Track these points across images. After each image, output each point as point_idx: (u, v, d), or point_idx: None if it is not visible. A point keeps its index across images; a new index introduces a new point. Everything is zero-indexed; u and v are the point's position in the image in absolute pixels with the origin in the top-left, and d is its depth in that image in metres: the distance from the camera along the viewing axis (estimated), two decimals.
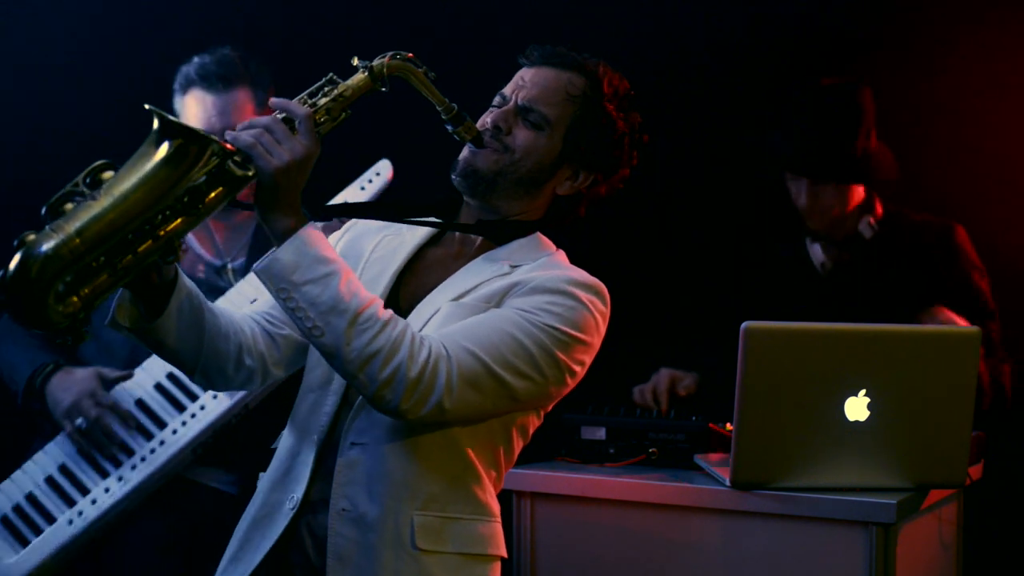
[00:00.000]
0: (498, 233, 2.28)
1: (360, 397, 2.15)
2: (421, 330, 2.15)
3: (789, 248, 3.45)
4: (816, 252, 3.42)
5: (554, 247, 2.33)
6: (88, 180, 1.89)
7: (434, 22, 3.94)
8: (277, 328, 2.28)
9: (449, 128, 2.20)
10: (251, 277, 2.97)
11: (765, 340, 2.56)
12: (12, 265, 1.82)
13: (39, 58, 3.73)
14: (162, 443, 2.90)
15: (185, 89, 3.11)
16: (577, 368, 2.19)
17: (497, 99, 2.28)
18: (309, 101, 2.06)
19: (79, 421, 2.88)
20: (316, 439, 2.20)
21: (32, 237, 1.83)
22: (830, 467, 2.61)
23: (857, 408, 2.59)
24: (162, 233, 1.91)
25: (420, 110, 2.26)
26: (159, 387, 2.96)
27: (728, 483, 2.64)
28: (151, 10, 3.79)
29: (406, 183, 3.15)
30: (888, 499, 2.55)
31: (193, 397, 2.95)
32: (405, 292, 2.27)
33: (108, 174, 1.89)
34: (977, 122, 3.83)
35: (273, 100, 2.03)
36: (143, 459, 2.89)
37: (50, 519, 2.88)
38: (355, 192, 3.10)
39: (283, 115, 2.03)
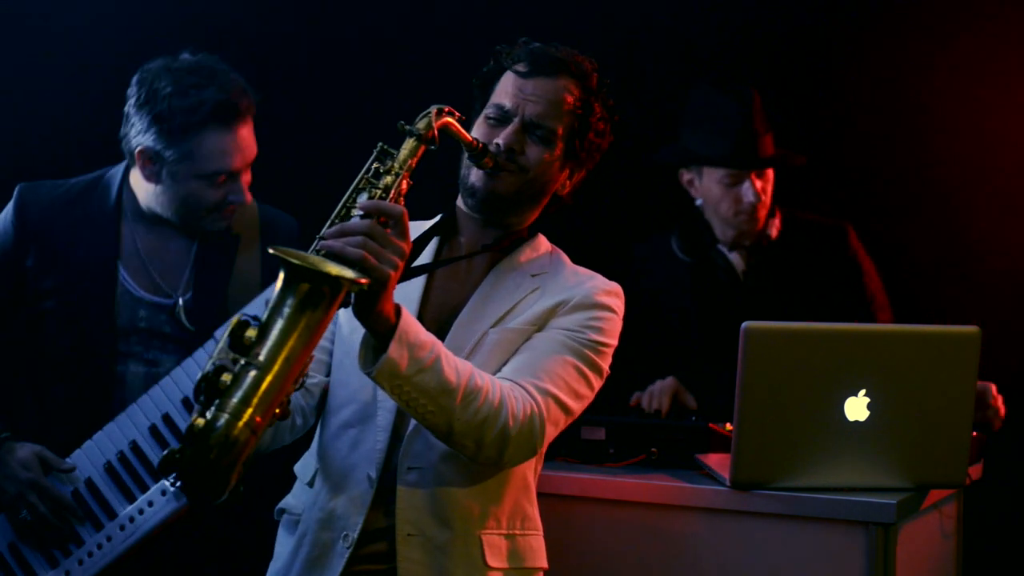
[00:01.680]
0: (508, 248, 2.32)
1: (411, 426, 2.19)
2: (468, 356, 2.19)
3: (704, 258, 3.42)
4: (735, 260, 3.41)
5: (549, 244, 2.39)
6: (231, 343, 1.81)
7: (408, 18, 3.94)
8: (310, 378, 2.24)
9: (470, 161, 2.23)
10: (187, 364, 2.69)
11: (765, 340, 2.56)
12: (193, 450, 1.77)
13: (39, 58, 3.73)
14: (109, 539, 2.67)
15: (200, 130, 2.68)
16: (607, 369, 2.30)
17: (492, 110, 2.26)
18: (373, 182, 2.05)
19: (23, 514, 2.66)
20: (372, 474, 2.20)
21: (202, 421, 1.77)
22: (830, 467, 2.61)
23: (857, 408, 2.59)
24: (304, 367, 1.91)
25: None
26: (108, 467, 2.69)
27: (728, 483, 2.64)
28: (151, 9, 3.79)
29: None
30: (888, 499, 2.55)
31: (142, 487, 2.69)
32: (428, 314, 2.27)
33: (251, 332, 1.82)
34: (968, 120, 3.85)
35: (363, 203, 2.00)
36: (90, 554, 2.68)
37: None
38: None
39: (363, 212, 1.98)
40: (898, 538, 2.56)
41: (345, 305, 1.94)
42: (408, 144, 2.09)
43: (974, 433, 2.97)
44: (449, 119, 2.12)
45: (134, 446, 2.70)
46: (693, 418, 3.00)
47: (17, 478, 2.67)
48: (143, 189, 2.81)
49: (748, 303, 3.37)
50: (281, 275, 1.85)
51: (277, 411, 1.85)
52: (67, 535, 2.69)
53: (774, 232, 3.40)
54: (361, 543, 2.19)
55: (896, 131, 3.90)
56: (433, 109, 2.11)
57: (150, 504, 2.68)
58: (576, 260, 2.39)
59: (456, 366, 2.07)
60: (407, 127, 2.09)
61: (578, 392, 2.22)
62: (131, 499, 2.70)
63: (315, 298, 1.84)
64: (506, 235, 2.31)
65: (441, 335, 2.20)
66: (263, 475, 2.29)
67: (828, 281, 3.41)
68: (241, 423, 1.78)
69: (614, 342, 2.29)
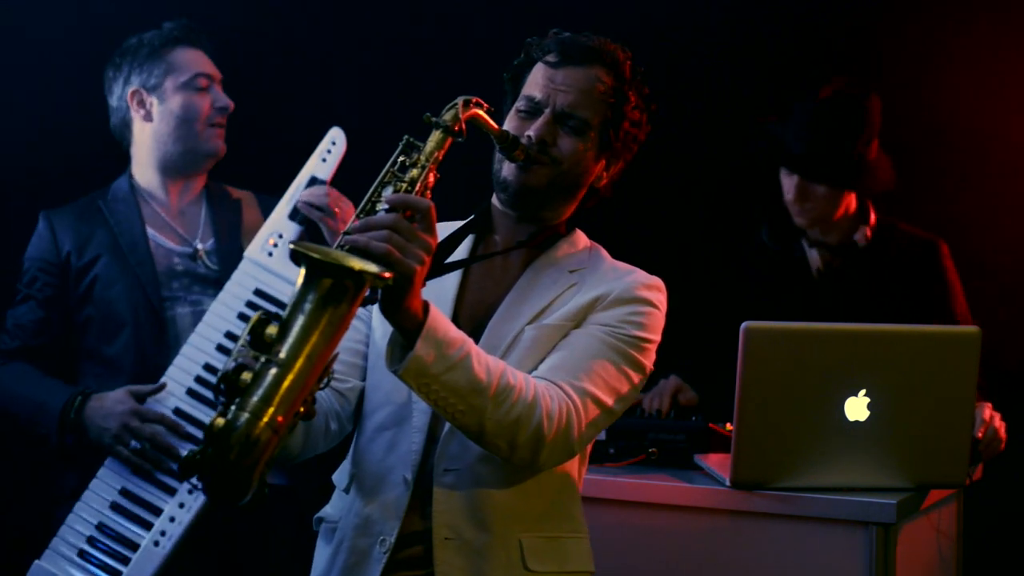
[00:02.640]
0: (542, 246, 2.27)
1: (446, 427, 2.14)
2: (504, 355, 2.15)
3: (788, 249, 3.45)
4: (812, 256, 3.43)
5: (587, 239, 2.33)
6: (251, 340, 1.75)
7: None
8: (342, 383, 2.23)
9: (501, 154, 2.18)
10: (215, 308, 2.94)
11: (765, 340, 2.56)
12: (214, 451, 1.71)
13: (39, 58, 3.72)
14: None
15: (172, 46, 3.11)
16: (651, 366, 2.24)
17: (523, 102, 2.22)
18: (399, 176, 2.00)
19: (133, 444, 2.80)
20: (408, 476, 2.15)
21: (222, 421, 1.71)
22: (830, 467, 2.61)
23: (857, 408, 2.59)
24: (329, 364, 1.82)
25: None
26: (191, 392, 2.88)
27: (728, 483, 2.64)
28: (149, 9, 3.78)
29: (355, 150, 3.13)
30: (888, 499, 2.55)
31: (233, 390, 2.84)
32: (463, 312, 2.23)
33: (272, 329, 1.75)
34: (979, 123, 3.85)
35: (389, 197, 1.94)
36: (190, 490, 2.81)
37: (132, 546, 2.77)
38: (318, 164, 3.05)
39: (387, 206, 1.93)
40: (898, 538, 2.56)
41: (371, 302, 1.90)
42: (434, 136, 2.03)
43: (978, 434, 2.98)
44: (477, 110, 2.07)
45: (208, 368, 2.88)
46: (693, 418, 3.00)
47: (115, 412, 2.83)
48: (144, 148, 3.13)
49: (817, 301, 3.37)
50: (302, 271, 1.79)
51: (301, 409, 1.78)
52: (176, 456, 2.80)
53: (861, 239, 3.38)
54: (398, 547, 2.14)
55: (896, 131, 3.90)
56: (460, 100, 2.06)
57: None
58: (619, 257, 2.33)
59: (487, 364, 2.01)
60: (433, 119, 2.04)
61: (618, 390, 2.15)
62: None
63: (337, 293, 1.77)
64: (541, 230, 2.26)
65: (477, 333, 2.16)
66: (304, 485, 2.28)
67: (911, 293, 3.35)
68: (262, 423, 1.71)
69: (656, 337, 2.22)
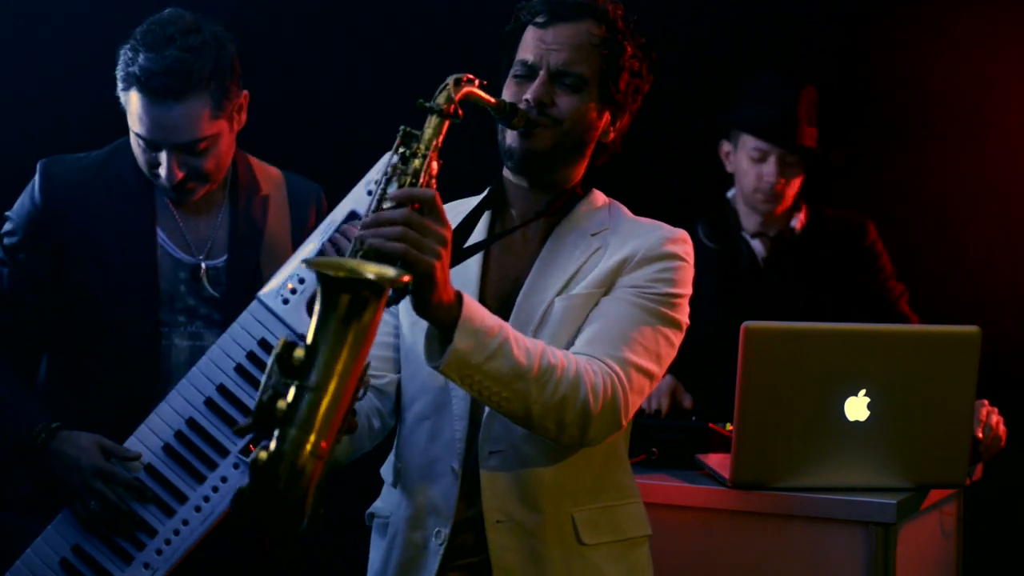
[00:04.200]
0: (560, 212, 2.22)
1: (488, 409, 2.11)
2: (537, 330, 2.12)
3: (729, 244, 3.50)
4: (757, 247, 3.50)
5: (605, 196, 2.29)
6: (280, 367, 1.69)
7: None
8: (379, 379, 2.21)
9: (501, 124, 2.15)
10: (213, 354, 2.57)
11: (765, 340, 2.56)
12: (261, 486, 1.67)
13: (38, 58, 3.73)
14: (185, 523, 2.53)
15: (128, 86, 2.56)
16: (686, 320, 2.20)
17: (518, 68, 2.17)
18: (403, 169, 1.97)
19: (92, 504, 2.51)
20: (455, 465, 2.13)
21: (265, 455, 1.67)
22: (830, 467, 2.61)
23: (857, 408, 2.59)
24: (364, 376, 1.78)
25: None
26: (167, 448, 2.55)
27: (728, 483, 2.64)
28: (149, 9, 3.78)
29: None
30: (888, 499, 2.55)
31: (209, 464, 2.55)
32: (489, 292, 2.19)
33: (299, 352, 1.69)
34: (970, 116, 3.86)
35: (393, 193, 1.91)
36: (168, 541, 2.54)
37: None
38: (361, 196, 2.59)
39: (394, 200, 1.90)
40: (898, 538, 2.56)
41: (395, 302, 1.88)
42: (431, 122, 1.99)
43: (978, 434, 2.98)
44: (469, 88, 2.03)
45: (192, 423, 2.55)
46: (693, 418, 3.00)
47: (80, 467, 2.52)
48: None
49: (767, 292, 3.44)
50: (319, 289, 1.73)
51: (342, 427, 1.75)
52: (138, 524, 2.53)
53: (798, 226, 3.48)
54: (453, 537, 2.12)
55: (896, 131, 3.90)
56: (451, 80, 2.03)
57: (223, 480, 2.54)
58: None
59: (527, 347, 1.98)
60: (427, 104, 2.01)
61: (659, 354, 2.12)
62: (199, 479, 2.54)
63: (358, 305, 1.71)
64: (558, 196, 2.20)
65: (505, 311, 2.13)
66: (352, 481, 2.23)
67: (846, 273, 3.46)
68: (306, 452, 1.67)
69: (688, 291, 2.18)
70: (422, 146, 1.98)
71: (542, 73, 2.15)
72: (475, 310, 1.94)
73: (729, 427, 2.67)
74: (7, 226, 2.69)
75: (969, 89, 3.85)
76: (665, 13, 3.72)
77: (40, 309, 2.67)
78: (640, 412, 3.18)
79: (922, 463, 2.65)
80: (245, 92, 2.66)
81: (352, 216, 2.56)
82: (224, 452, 2.56)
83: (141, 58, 2.53)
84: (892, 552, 2.54)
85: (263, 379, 1.72)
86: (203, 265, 2.67)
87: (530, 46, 2.17)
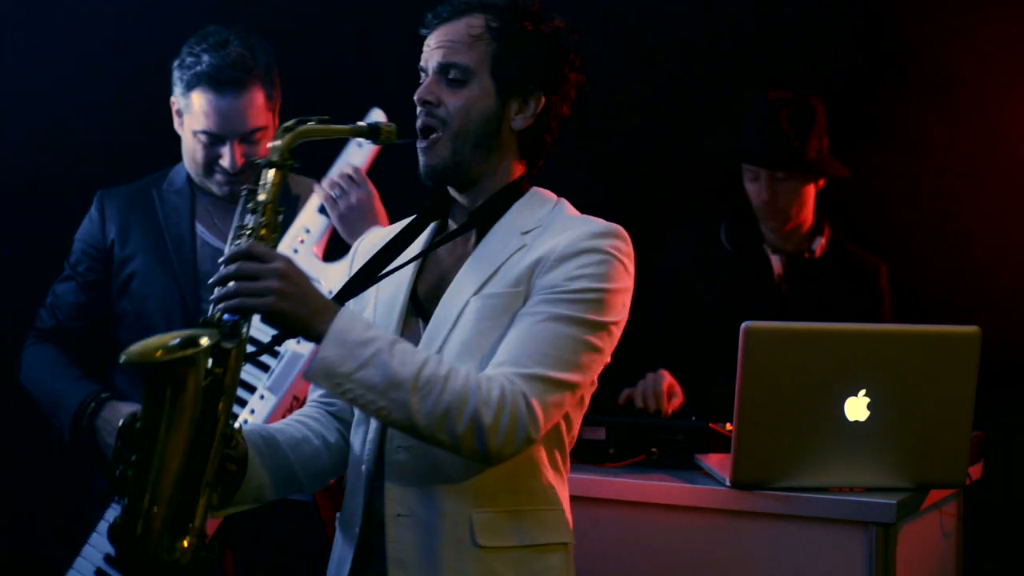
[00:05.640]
0: (492, 213, 2.20)
1: None
2: (451, 331, 2.11)
3: (751, 253, 3.50)
4: (776, 262, 3.50)
5: (555, 196, 2.25)
6: (122, 443, 1.97)
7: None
8: (330, 405, 2.30)
9: (373, 144, 2.20)
10: None
11: (765, 340, 2.56)
12: (118, 555, 2.00)
13: (38, 58, 3.73)
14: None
15: (193, 87, 2.94)
16: (620, 318, 2.13)
17: (422, 76, 2.19)
18: (244, 228, 2.07)
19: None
20: (368, 461, 2.17)
21: (118, 523, 1.96)
22: (830, 467, 2.61)
23: (857, 408, 2.59)
24: (217, 434, 2.00)
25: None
26: None
27: (728, 483, 2.64)
28: (148, 9, 3.79)
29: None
30: (888, 499, 2.55)
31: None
32: (424, 293, 2.21)
33: (136, 427, 1.96)
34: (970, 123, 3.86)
35: (221, 259, 2.01)
36: None
37: None
38: (353, 150, 3.01)
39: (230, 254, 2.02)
40: (898, 538, 2.56)
41: (256, 354, 2.09)
42: (267, 176, 2.08)
43: (974, 433, 2.98)
44: (299, 129, 2.09)
45: None
46: (693, 418, 3.00)
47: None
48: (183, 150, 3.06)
49: (780, 308, 3.43)
50: (145, 374, 1.94)
51: (205, 480, 2.00)
52: None
53: (818, 251, 3.49)
54: (365, 531, 2.16)
55: (896, 132, 3.90)
56: (280, 130, 2.09)
57: (252, 412, 2.86)
58: None
59: (406, 359, 1.98)
60: (257, 161, 2.10)
61: (577, 362, 2.05)
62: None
63: (180, 382, 1.93)
64: (489, 199, 2.19)
65: (432, 310, 2.15)
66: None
67: (851, 308, 3.42)
68: (146, 520, 1.95)
69: (617, 285, 2.09)
70: (264, 199, 2.07)
71: (427, 74, 2.17)
72: (349, 322, 1.98)
73: (729, 427, 2.67)
74: (73, 248, 3.09)
75: (970, 89, 3.85)
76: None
77: (105, 310, 3.05)
78: (640, 412, 3.20)
79: (922, 463, 2.65)
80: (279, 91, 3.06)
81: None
82: (251, 388, 2.91)
83: (206, 58, 2.93)
84: (892, 552, 2.54)
85: (112, 451, 1.99)
86: None
87: (423, 56, 2.20)
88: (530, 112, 2.18)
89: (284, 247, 2.94)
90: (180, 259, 2.99)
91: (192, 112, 2.96)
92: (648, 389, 3.25)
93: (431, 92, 2.15)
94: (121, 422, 1.95)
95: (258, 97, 2.96)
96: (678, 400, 3.26)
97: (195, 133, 2.97)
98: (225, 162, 2.96)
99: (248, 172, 2.93)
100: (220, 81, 2.91)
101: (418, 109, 2.17)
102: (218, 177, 3.00)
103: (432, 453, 2.10)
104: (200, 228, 3.04)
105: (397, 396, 1.97)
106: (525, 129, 2.19)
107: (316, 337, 1.98)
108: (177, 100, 3.00)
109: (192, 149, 3.00)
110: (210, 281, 2.00)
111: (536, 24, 2.18)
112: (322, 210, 2.98)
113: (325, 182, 3.00)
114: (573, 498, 2.78)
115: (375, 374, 1.97)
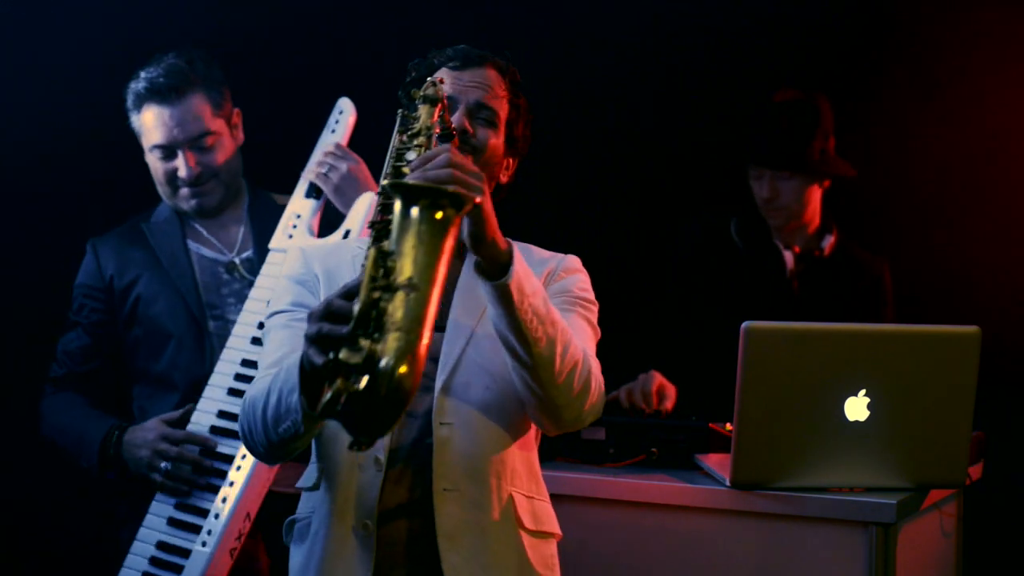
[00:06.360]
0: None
1: (438, 386, 2.15)
2: (460, 357, 2.18)
3: (763, 248, 3.50)
4: (788, 257, 3.52)
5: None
6: (382, 272, 1.76)
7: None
8: None
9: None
10: (259, 282, 2.97)
11: (765, 340, 2.56)
12: (375, 389, 1.71)
13: (37, 58, 3.73)
14: (244, 456, 2.81)
15: (139, 106, 3.02)
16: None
17: (445, 99, 2.21)
18: (410, 141, 2.07)
19: (163, 465, 2.83)
20: (380, 456, 2.14)
21: (381, 346, 1.72)
22: (830, 467, 2.61)
23: (857, 408, 2.59)
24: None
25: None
26: (222, 413, 2.87)
27: (728, 483, 2.64)
28: (148, 9, 3.79)
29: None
30: (888, 499, 2.55)
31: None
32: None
33: (392, 262, 1.77)
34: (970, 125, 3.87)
35: (441, 147, 2.00)
36: (231, 482, 2.80)
37: (184, 553, 2.79)
38: (327, 136, 3.09)
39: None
40: (898, 538, 2.56)
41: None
42: (423, 109, 2.08)
43: (974, 433, 2.98)
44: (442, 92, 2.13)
45: (239, 377, 2.89)
46: (693, 418, 3.00)
47: (147, 441, 2.87)
48: None
49: (792, 305, 3.45)
50: (397, 204, 1.81)
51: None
52: (208, 469, 2.83)
53: (827, 249, 3.52)
54: (381, 524, 2.13)
55: (896, 132, 3.90)
56: (429, 83, 2.12)
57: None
58: (594, 252, 2.38)
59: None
60: (421, 93, 2.09)
61: (593, 354, 2.23)
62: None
63: (437, 217, 1.81)
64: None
65: (438, 337, 2.18)
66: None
67: (858, 309, 3.46)
68: (423, 343, 1.73)
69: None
70: (421, 127, 2.07)
71: (461, 106, 2.25)
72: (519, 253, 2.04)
73: (729, 427, 2.67)
74: (74, 296, 3.13)
75: (971, 89, 3.85)
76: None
77: (115, 346, 3.09)
78: (640, 412, 3.20)
79: (922, 463, 2.65)
80: (238, 110, 3.12)
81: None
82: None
83: (143, 74, 3.02)
84: (892, 552, 2.54)
85: (357, 287, 1.77)
86: (236, 260, 3.09)
87: (447, 83, 2.25)
88: (509, 172, 2.35)
89: (277, 237, 3.01)
90: (178, 272, 3.04)
91: (145, 131, 3.03)
92: (637, 389, 3.25)
93: (469, 123, 2.23)
94: (374, 251, 1.78)
95: (201, 104, 3.01)
96: (669, 401, 3.25)
97: (150, 151, 3.03)
98: (182, 172, 3.01)
99: (211, 182, 3.05)
100: (158, 91, 2.98)
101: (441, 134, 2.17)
102: (182, 191, 3.05)
103: (470, 429, 2.15)
104: (192, 244, 3.09)
105: (551, 332, 2.05)
106: (503, 184, 2.34)
107: (502, 253, 2.00)
108: (134, 125, 3.06)
109: (154, 169, 3.06)
110: (420, 156, 1.97)
111: (524, 97, 2.34)
112: (308, 194, 3.03)
113: (311, 164, 3.06)
114: (574, 498, 2.79)
115: (540, 304, 2.04)
